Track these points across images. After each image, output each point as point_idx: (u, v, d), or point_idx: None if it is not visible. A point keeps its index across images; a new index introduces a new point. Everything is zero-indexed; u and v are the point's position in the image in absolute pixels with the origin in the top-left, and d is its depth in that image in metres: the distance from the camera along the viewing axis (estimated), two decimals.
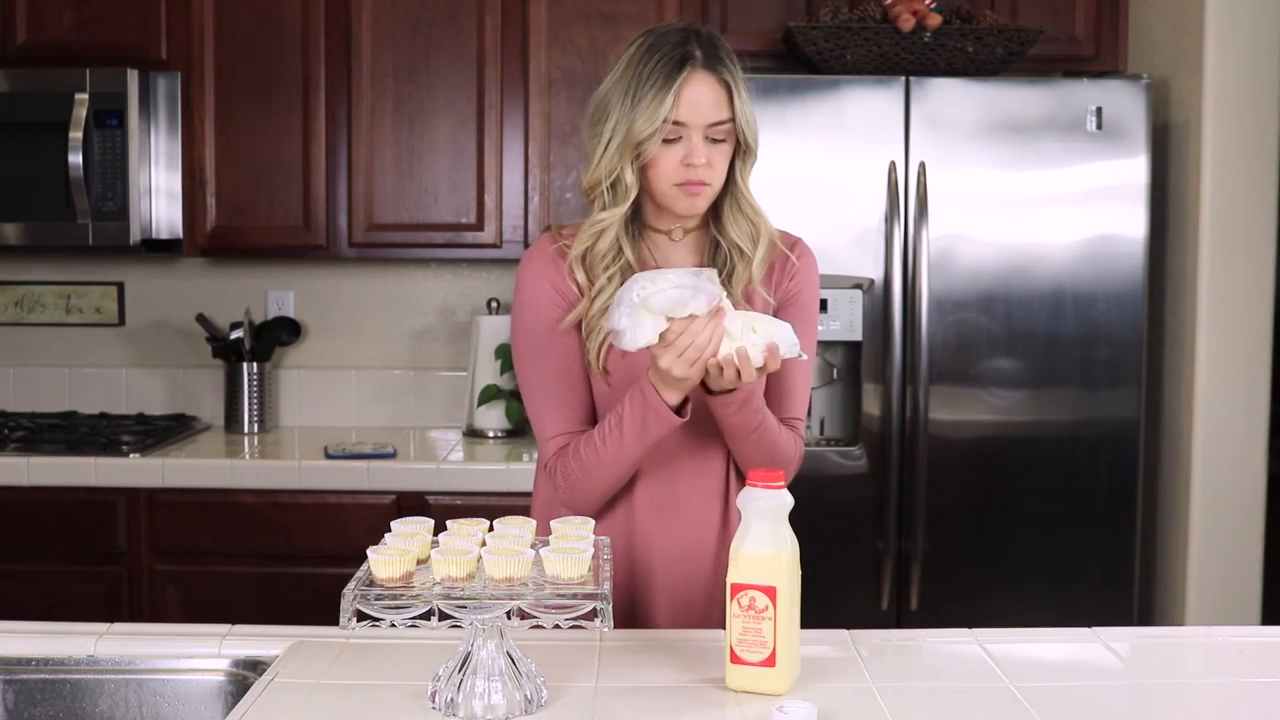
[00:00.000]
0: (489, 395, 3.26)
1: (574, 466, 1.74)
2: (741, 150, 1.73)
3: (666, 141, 1.68)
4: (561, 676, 1.49)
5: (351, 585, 1.37)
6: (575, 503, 1.77)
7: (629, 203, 1.72)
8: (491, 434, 3.30)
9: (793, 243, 1.85)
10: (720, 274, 1.76)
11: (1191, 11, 2.99)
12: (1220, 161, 2.95)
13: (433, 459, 3.06)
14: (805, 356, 1.63)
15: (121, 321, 3.54)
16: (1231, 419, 2.99)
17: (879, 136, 2.88)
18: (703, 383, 1.64)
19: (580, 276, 1.76)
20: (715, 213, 1.78)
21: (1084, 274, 2.90)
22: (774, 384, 1.79)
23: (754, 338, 1.58)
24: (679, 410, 1.65)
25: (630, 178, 1.70)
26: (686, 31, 1.71)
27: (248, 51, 3.15)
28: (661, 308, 1.53)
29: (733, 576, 1.46)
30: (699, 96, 1.67)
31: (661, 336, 1.55)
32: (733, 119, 1.69)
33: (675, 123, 1.67)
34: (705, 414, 1.70)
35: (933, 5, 2.92)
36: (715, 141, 1.70)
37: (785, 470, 1.73)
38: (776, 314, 1.80)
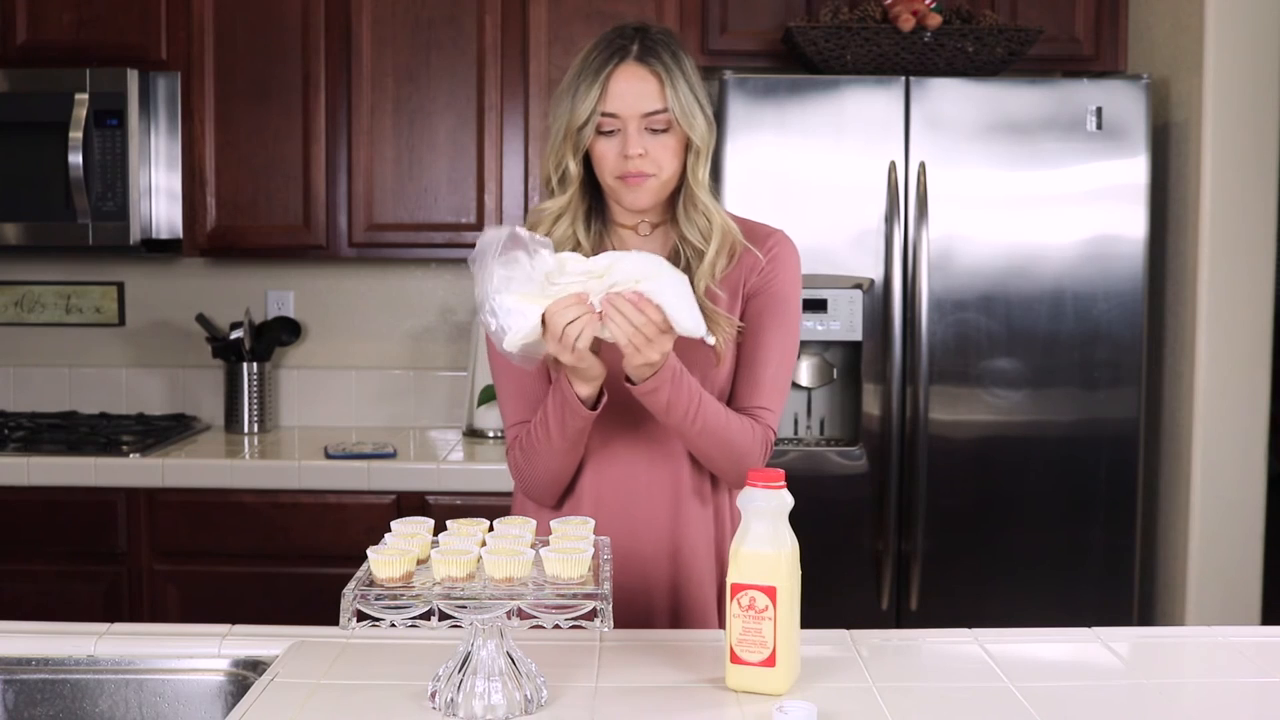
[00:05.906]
0: (489, 395, 3.26)
1: (520, 455, 1.79)
2: (693, 146, 1.74)
3: (605, 134, 1.72)
4: (561, 676, 1.49)
5: (351, 585, 1.37)
6: (528, 490, 1.81)
7: (571, 192, 1.76)
8: (491, 434, 3.30)
9: (767, 235, 1.83)
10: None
11: (1191, 11, 2.99)
12: (1220, 161, 2.95)
13: (433, 459, 3.06)
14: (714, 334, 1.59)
15: (121, 321, 3.54)
16: (1231, 419, 2.99)
17: (879, 136, 2.88)
18: (628, 378, 1.64)
19: None
20: (675, 210, 1.80)
21: (1084, 274, 2.90)
22: (740, 371, 1.80)
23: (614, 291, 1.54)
24: (597, 403, 1.67)
25: (573, 168, 1.75)
26: (633, 29, 1.75)
27: (248, 51, 3.15)
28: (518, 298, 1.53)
29: (733, 576, 1.46)
30: (627, 87, 1.70)
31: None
32: (666, 109, 1.71)
33: (607, 114, 1.71)
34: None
35: (933, 5, 2.92)
36: (655, 132, 1.72)
37: (744, 462, 1.73)
38: (743, 310, 1.80)
